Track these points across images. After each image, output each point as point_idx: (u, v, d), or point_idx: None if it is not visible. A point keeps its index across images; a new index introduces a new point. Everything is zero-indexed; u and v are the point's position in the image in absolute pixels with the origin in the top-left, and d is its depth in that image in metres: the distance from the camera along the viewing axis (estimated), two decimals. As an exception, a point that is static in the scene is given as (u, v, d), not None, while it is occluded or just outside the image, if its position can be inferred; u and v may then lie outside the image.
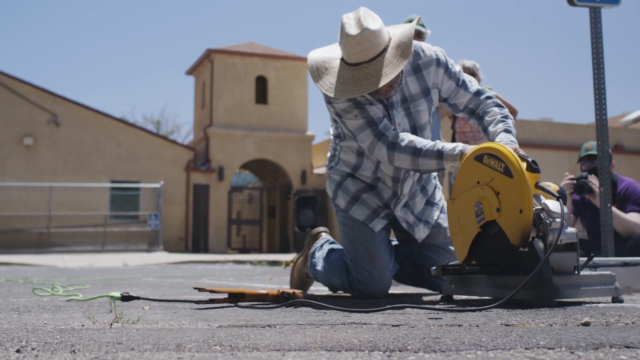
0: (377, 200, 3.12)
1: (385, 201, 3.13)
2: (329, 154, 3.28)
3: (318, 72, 2.78)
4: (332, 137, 3.21)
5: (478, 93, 2.95)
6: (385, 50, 2.67)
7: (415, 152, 2.70)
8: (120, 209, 20.77)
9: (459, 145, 2.65)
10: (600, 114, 4.06)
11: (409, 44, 2.68)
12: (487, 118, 2.87)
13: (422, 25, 5.81)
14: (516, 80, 72.66)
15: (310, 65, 2.81)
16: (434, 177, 3.31)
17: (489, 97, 2.94)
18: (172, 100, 67.37)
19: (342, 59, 2.74)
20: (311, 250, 3.41)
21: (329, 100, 2.87)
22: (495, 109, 2.88)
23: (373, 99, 2.83)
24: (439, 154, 2.66)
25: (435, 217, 3.22)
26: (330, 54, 2.83)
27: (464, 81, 2.95)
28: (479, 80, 5.69)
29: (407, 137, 2.74)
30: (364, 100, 2.82)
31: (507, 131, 2.74)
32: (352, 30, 2.61)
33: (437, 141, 2.73)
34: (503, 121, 2.80)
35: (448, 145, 2.67)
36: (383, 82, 2.62)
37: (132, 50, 70.46)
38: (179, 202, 21.39)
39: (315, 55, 2.85)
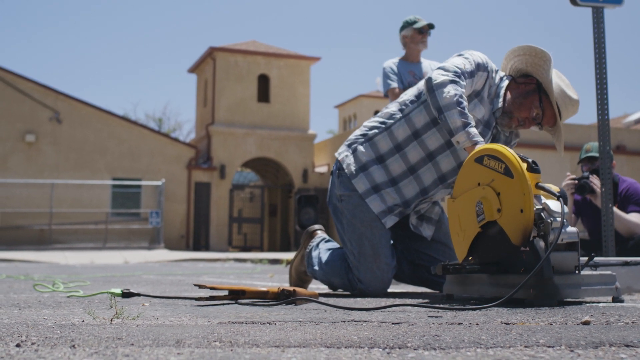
0: (397, 197, 3.07)
1: (405, 199, 3.08)
2: (359, 132, 3.18)
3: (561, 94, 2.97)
4: (378, 117, 3.16)
5: None
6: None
7: (459, 104, 2.71)
8: (122, 206, 20.79)
9: (480, 138, 2.66)
10: (602, 115, 4.05)
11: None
12: None
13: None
14: (518, 81, 72.31)
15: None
16: None
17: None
18: (174, 98, 67.42)
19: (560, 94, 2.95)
20: (307, 250, 3.38)
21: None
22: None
23: (490, 106, 3.00)
24: (465, 125, 2.67)
25: (437, 212, 3.23)
26: (562, 85, 2.98)
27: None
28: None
29: (465, 99, 2.76)
30: (486, 76, 2.96)
31: None
32: (575, 95, 2.96)
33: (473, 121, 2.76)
34: None
35: (475, 130, 2.68)
36: (561, 150, 3.03)
37: (135, 48, 70.55)
38: (180, 200, 21.40)
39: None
